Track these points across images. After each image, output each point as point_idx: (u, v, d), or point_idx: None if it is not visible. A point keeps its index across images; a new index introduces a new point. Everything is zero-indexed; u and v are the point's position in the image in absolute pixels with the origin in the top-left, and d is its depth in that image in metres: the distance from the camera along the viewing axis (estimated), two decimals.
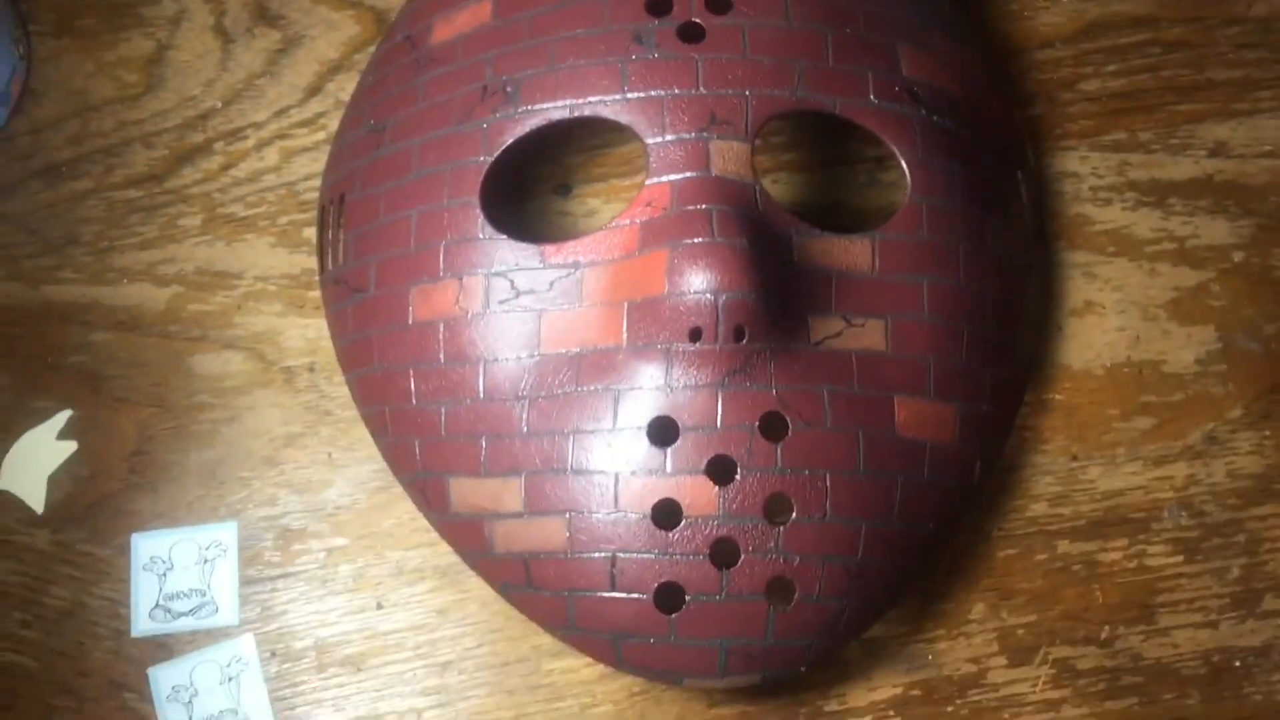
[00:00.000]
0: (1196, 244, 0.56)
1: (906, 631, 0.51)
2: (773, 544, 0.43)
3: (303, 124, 0.57)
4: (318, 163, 0.57)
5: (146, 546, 0.52)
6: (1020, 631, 0.52)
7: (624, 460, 0.44)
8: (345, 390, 0.52)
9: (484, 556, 0.47)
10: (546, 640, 0.51)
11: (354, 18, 0.59)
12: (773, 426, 0.44)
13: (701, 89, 0.45)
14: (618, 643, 0.45)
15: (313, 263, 0.55)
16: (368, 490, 0.53)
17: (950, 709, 0.51)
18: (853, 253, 0.46)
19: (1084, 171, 0.57)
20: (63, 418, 0.54)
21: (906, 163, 0.47)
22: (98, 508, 0.53)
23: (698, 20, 0.46)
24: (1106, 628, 0.52)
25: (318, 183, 0.56)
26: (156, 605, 0.52)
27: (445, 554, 0.51)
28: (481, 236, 0.46)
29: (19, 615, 0.52)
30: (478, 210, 0.46)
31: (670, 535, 0.43)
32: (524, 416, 0.45)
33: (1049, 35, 0.59)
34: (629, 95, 0.45)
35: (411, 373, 0.47)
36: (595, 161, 0.57)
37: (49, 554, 0.53)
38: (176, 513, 0.53)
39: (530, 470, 0.45)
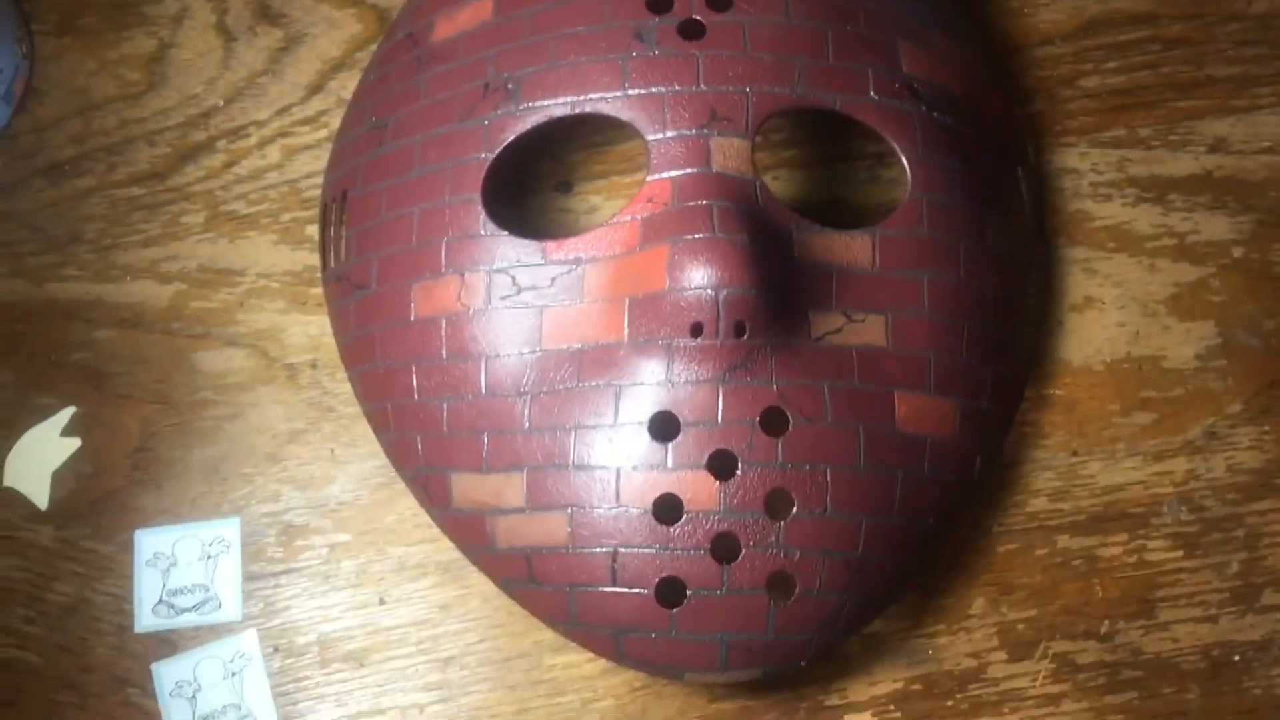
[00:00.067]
0: (1196, 240, 0.56)
1: (907, 626, 0.52)
2: (773, 539, 0.44)
3: (305, 122, 0.58)
4: (320, 160, 0.57)
5: (150, 542, 0.53)
6: (1020, 626, 0.52)
7: (625, 455, 0.44)
8: (347, 386, 0.53)
9: (486, 552, 0.47)
10: (548, 635, 0.51)
11: (356, 15, 0.59)
12: (773, 422, 0.44)
13: (702, 86, 0.45)
14: (619, 638, 0.45)
15: (315, 260, 0.56)
16: (370, 486, 0.53)
17: (950, 704, 0.51)
18: (853, 249, 0.46)
19: (1084, 168, 0.57)
20: (66, 414, 0.54)
21: (907, 159, 0.47)
22: (101, 504, 0.53)
23: (698, 17, 0.46)
24: (1106, 622, 0.52)
25: (320, 180, 0.56)
26: (160, 601, 0.52)
27: (447, 549, 0.51)
28: (483, 233, 0.46)
29: (23, 611, 0.52)
30: (479, 207, 0.46)
31: (671, 530, 0.43)
32: (526, 412, 0.45)
33: (1049, 32, 0.59)
34: (630, 92, 0.45)
35: (414, 369, 0.47)
36: (596, 158, 0.57)
37: (53, 550, 0.53)
38: (180, 509, 0.53)
39: (532, 465, 0.45)
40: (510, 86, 0.47)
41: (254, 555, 0.53)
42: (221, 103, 0.58)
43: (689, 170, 0.45)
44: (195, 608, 0.52)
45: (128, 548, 0.53)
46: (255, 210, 0.57)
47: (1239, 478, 0.53)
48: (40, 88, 0.58)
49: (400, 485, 0.52)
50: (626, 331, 0.44)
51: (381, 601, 0.52)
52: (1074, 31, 0.59)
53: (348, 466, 0.53)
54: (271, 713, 0.51)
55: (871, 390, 0.45)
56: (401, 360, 0.48)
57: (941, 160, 0.48)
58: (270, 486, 0.53)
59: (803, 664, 0.46)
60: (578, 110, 0.46)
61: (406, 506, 0.52)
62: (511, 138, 0.46)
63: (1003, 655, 0.51)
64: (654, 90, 0.45)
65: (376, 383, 0.49)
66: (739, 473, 0.43)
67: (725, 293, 0.42)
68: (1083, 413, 0.54)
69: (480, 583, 0.51)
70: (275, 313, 0.55)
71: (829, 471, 0.44)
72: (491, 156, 0.46)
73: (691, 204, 0.44)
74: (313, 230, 0.56)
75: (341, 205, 0.51)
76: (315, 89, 0.58)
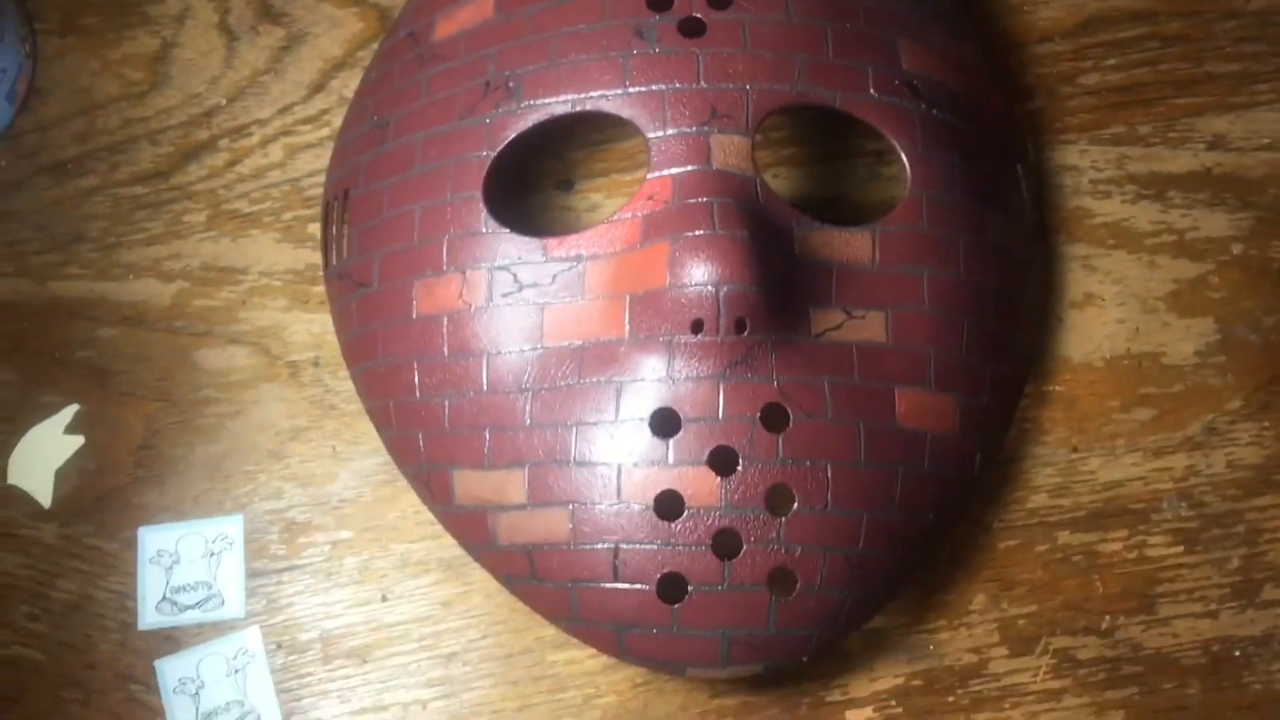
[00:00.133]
0: (1195, 236, 0.56)
1: (908, 622, 0.52)
2: (774, 535, 0.44)
3: (307, 120, 0.58)
4: (321, 159, 0.57)
5: (153, 540, 0.53)
6: (1021, 622, 0.52)
7: (626, 452, 0.44)
8: (350, 384, 0.53)
9: (488, 548, 0.47)
10: (550, 631, 0.51)
11: (357, 14, 0.59)
12: (774, 418, 0.44)
13: (702, 83, 0.45)
14: (621, 633, 0.45)
15: (317, 258, 0.56)
16: (372, 483, 0.53)
17: (951, 699, 0.51)
18: (853, 245, 0.46)
19: (1083, 165, 0.57)
20: (70, 412, 0.54)
21: (907, 156, 0.47)
22: (104, 501, 0.53)
23: (698, 15, 0.46)
24: (1107, 618, 0.52)
25: (322, 179, 0.56)
26: (163, 598, 0.52)
27: (449, 546, 0.52)
28: (484, 231, 0.46)
29: (26, 608, 0.52)
30: (480, 205, 0.46)
31: (673, 526, 0.44)
32: (527, 409, 0.45)
33: (1048, 30, 0.59)
34: (630, 90, 0.46)
35: (415, 366, 0.47)
36: (597, 156, 0.57)
37: (56, 547, 0.53)
38: (183, 506, 0.53)
39: (533, 462, 0.45)
40: (511, 84, 0.47)
41: (257, 552, 0.53)
42: (224, 101, 0.58)
43: (689, 167, 0.45)
44: (198, 605, 0.52)
45: (131, 545, 0.53)
46: (257, 209, 0.57)
47: (1239, 473, 0.53)
48: (43, 87, 0.58)
49: (402, 482, 0.52)
50: (627, 328, 0.44)
51: (384, 598, 0.52)
52: (1073, 29, 0.59)
53: (350, 464, 0.54)
54: (275, 709, 0.51)
55: (872, 386, 0.46)
56: (403, 358, 0.48)
57: (941, 157, 0.48)
58: (273, 484, 0.53)
59: (804, 659, 0.46)
60: (579, 108, 0.46)
61: (408, 503, 0.53)
62: (513, 136, 0.47)
63: (1003, 651, 0.52)
64: (654, 88, 0.45)
65: (378, 380, 0.49)
66: (740, 469, 0.43)
67: (726, 289, 0.42)
68: (1083, 409, 0.54)
69: (482, 579, 0.52)
70: (277, 311, 0.55)
71: (829, 467, 0.44)
72: (493, 154, 0.47)
73: (692, 201, 0.44)
74: (315, 228, 0.56)
75: (343, 203, 0.52)
76: (317, 88, 0.58)
